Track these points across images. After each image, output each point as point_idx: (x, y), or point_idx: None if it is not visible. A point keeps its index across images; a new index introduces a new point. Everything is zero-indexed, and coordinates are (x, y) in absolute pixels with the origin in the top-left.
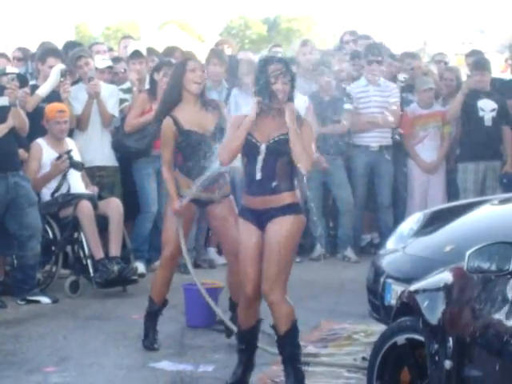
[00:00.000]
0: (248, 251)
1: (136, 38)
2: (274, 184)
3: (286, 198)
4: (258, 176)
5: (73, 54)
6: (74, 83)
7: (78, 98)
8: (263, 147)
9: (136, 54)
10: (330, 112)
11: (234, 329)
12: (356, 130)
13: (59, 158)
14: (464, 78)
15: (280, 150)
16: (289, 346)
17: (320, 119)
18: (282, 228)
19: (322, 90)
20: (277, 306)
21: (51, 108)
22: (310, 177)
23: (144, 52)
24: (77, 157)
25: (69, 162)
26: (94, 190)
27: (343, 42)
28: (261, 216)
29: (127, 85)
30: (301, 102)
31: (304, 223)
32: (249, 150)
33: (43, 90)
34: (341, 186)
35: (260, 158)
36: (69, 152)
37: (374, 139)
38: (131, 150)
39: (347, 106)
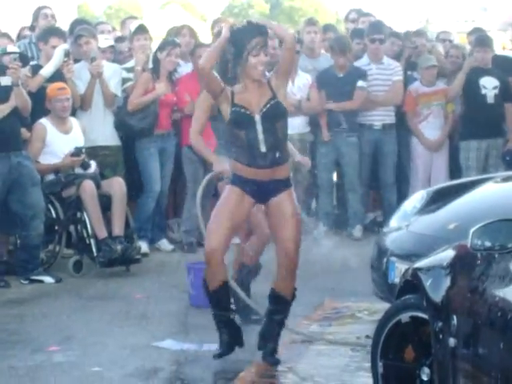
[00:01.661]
0: (228, 215)
1: (138, 17)
2: (278, 155)
3: (286, 171)
4: (263, 148)
5: (75, 33)
6: (76, 61)
7: (80, 77)
8: (258, 117)
9: (140, 29)
10: (344, 88)
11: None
12: (364, 109)
13: (74, 153)
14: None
15: (275, 114)
16: (284, 312)
17: (332, 95)
18: (289, 201)
19: (336, 67)
20: (295, 267)
21: (52, 87)
22: (323, 153)
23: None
24: (80, 137)
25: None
26: (92, 166)
27: (349, 20)
28: (264, 187)
29: (131, 64)
30: (303, 80)
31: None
32: (245, 123)
33: (47, 70)
34: (350, 164)
35: (259, 129)
36: (82, 150)
37: (378, 117)
38: (134, 130)
39: (360, 83)
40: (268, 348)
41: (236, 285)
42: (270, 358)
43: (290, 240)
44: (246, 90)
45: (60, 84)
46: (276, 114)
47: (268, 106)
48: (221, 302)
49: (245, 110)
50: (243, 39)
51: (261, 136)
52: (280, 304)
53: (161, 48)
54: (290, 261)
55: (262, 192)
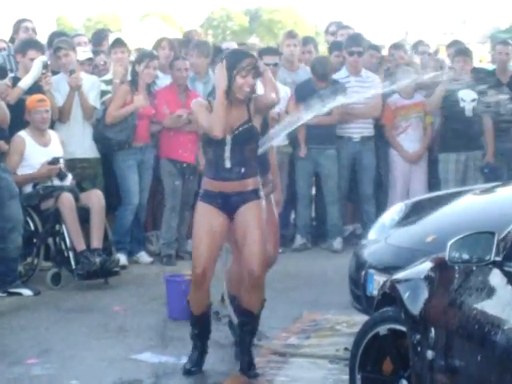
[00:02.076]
0: (208, 235)
1: (117, 29)
2: (243, 170)
3: (251, 184)
4: (228, 164)
5: (54, 45)
6: (55, 73)
7: (59, 89)
8: (228, 138)
9: (118, 42)
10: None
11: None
12: (343, 121)
13: (51, 162)
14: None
15: (246, 138)
16: (254, 324)
17: (310, 108)
18: (255, 212)
19: (315, 80)
20: (261, 282)
21: (31, 99)
22: (301, 166)
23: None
24: (59, 149)
25: (58, 169)
26: (69, 178)
27: (329, 32)
28: (229, 198)
29: (109, 76)
30: (282, 93)
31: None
32: (214, 141)
33: (25, 82)
34: (330, 176)
35: (227, 148)
36: (59, 160)
37: (356, 130)
38: (112, 142)
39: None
40: (244, 362)
41: (229, 302)
42: (248, 371)
43: (254, 255)
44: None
45: (40, 96)
46: (247, 138)
47: (240, 129)
48: (202, 325)
49: None
50: (235, 59)
51: (227, 154)
52: (247, 316)
53: (139, 60)
54: (252, 276)
55: (229, 204)
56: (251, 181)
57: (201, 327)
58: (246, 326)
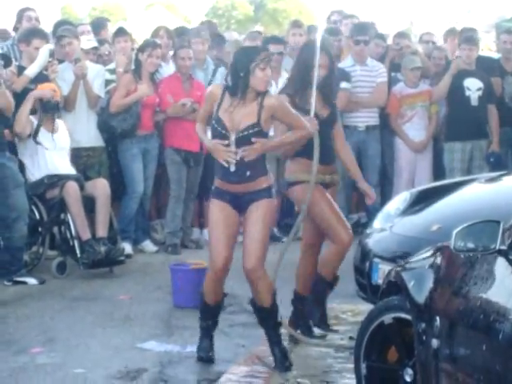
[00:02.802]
0: (224, 230)
1: (122, 19)
2: (248, 173)
3: (262, 183)
4: (232, 168)
5: (57, 33)
6: (60, 62)
7: (64, 78)
8: (233, 138)
9: (120, 32)
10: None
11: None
12: (347, 110)
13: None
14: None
15: (250, 141)
16: (272, 318)
17: None
18: (262, 210)
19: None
20: (262, 280)
21: (44, 88)
22: None
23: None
24: (66, 138)
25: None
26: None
27: (331, 21)
28: (240, 198)
29: (114, 65)
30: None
31: (276, 205)
32: (219, 139)
33: (31, 70)
34: None
35: (232, 149)
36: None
37: (361, 119)
38: (116, 131)
39: (344, 84)
40: (277, 357)
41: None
42: (280, 366)
43: (251, 251)
44: (234, 106)
45: (51, 85)
46: (250, 141)
47: (246, 132)
48: (213, 315)
49: (221, 128)
50: (250, 53)
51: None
52: (262, 312)
53: (141, 49)
54: (249, 272)
55: (239, 202)
56: (262, 179)
57: (213, 317)
58: (266, 322)
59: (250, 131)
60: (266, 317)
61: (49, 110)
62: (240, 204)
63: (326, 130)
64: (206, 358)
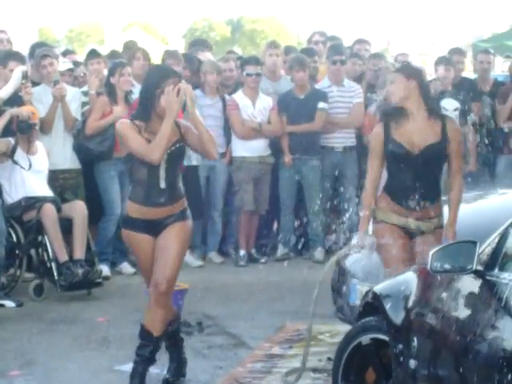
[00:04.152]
0: (149, 262)
1: (100, 40)
2: (176, 192)
3: (181, 205)
4: (163, 185)
5: (38, 53)
6: (35, 85)
7: (41, 100)
8: (164, 157)
9: (93, 54)
10: (305, 110)
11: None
12: (325, 131)
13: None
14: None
15: (178, 156)
16: (155, 347)
17: (292, 118)
18: (179, 230)
19: (297, 88)
20: (165, 301)
21: (24, 110)
22: (284, 176)
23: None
24: (44, 160)
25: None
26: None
27: (312, 42)
28: (158, 225)
29: (87, 88)
30: (264, 103)
31: (190, 227)
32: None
33: (5, 91)
34: (312, 187)
35: (162, 168)
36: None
37: (339, 140)
38: (93, 153)
39: (321, 104)
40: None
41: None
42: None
43: (165, 268)
44: (154, 124)
45: (30, 108)
46: (179, 157)
47: (173, 148)
48: (171, 338)
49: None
50: (158, 77)
51: (162, 174)
52: (145, 338)
53: (111, 72)
54: (158, 290)
55: (155, 228)
56: (180, 203)
57: (172, 337)
58: (142, 350)
59: (177, 146)
60: (146, 344)
61: (24, 130)
62: (154, 229)
63: None
64: (168, 381)
